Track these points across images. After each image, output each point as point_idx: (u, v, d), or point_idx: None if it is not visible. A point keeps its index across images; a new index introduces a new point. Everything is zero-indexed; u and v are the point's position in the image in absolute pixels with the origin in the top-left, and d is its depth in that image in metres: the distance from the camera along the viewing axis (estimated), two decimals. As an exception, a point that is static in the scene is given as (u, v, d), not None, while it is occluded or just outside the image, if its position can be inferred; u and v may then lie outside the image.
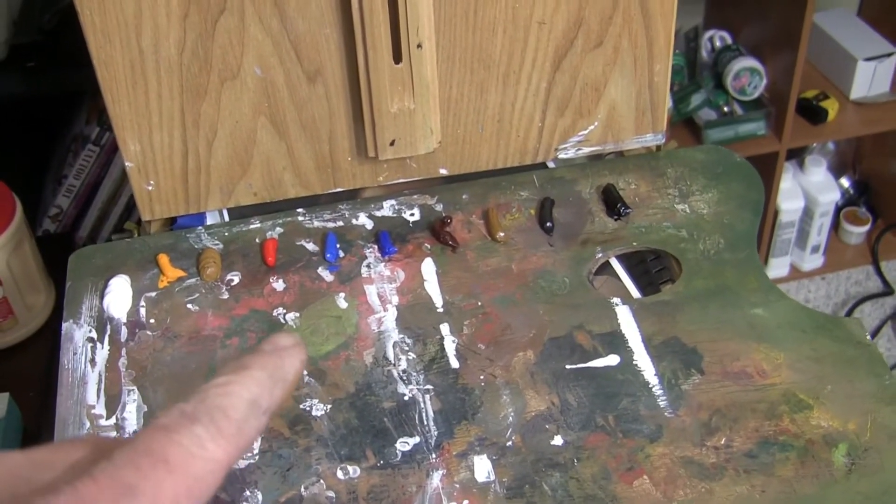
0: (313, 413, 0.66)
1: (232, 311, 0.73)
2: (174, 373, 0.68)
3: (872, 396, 0.65)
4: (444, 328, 0.71)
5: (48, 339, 0.95)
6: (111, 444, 0.33)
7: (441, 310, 0.72)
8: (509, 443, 0.63)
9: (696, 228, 0.78)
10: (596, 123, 0.83)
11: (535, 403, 0.66)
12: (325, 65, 0.75)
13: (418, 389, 0.67)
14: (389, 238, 0.78)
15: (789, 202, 1.87)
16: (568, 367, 0.68)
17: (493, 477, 0.61)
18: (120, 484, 0.30)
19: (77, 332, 0.72)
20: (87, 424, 0.65)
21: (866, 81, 1.80)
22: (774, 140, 1.75)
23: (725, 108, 1.77)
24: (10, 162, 1.15)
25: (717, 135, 1.74)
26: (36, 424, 0.87)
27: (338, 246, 0.78)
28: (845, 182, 2.04)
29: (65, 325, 0.72)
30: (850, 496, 0.59)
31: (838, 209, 1.99)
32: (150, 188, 0.79)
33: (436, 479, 0.61)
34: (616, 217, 0.80)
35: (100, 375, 0.68)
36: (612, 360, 0.68)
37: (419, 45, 0.73)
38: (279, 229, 0.79)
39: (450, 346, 0.70)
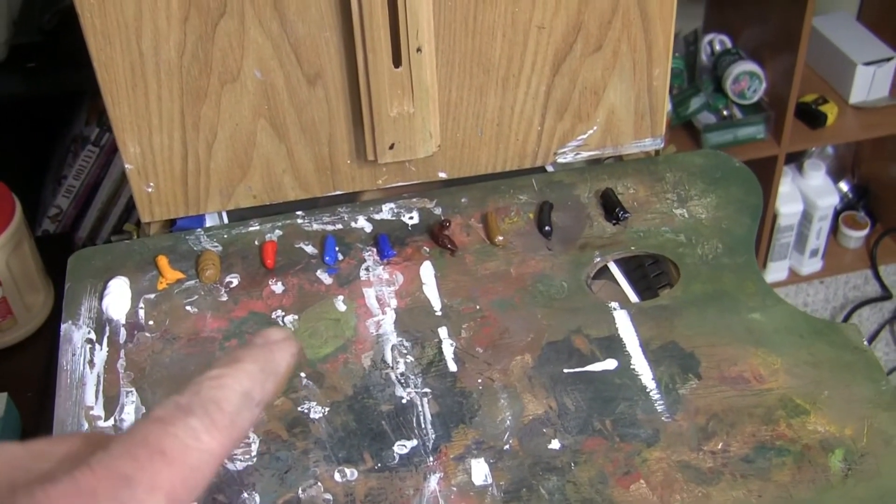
0: (311, 415, 0.66)
1: (231, 314, 0.73)
2: (173, 374, 0.69)
3: (869, 402, 0.65)
4: (443, 331, 0.71)
5: (47, 340, 0.95)
6: (108, 438, 0.34)
7: (439, 313, 0.73)
8: (507, 446, 0.63)
9: (694, 233, 0.79)
10: (595, 127, 0.83)
11: (533, 407, 0.66)
12: (324, 68, 0.75)
13: (416, 393, 0.67)
14: (388, 241, 0.78)
15: (788, 206, 1.88)
16: (566, 371, 0.68)
17: (490, 480, 0.61)
18: (117, 474, 0.30)
19: (76, 334, 0.72)
20: (86, 425, 0.65)
21: (865, 86, 1.81)
22: (773, 144, 1.75)
23: (725, 112, 1.77)
24: (9, 162, 1.15)
25: (717, 138, 1.74)
26: (34, 425, 0.87)
27: (337, 249, 0.78)
28: (844, 186, 2.05)
29: (64, 327, 0.72)
30: (846, 501, 0.60)
31: (837, 213, 1.99)
32: (149, 190, 0.79)
33: (433, 482, 0.62)
34: (615, 221, 0.80)
35: (98, 377, 0.69)
36: (610, 364, 0.68)
37: (419, 49, 0.73)
38: (278, 232, 0.80)
39: (448, 349, 0.70)
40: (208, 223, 0.82)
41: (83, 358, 0.70)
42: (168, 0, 0.70)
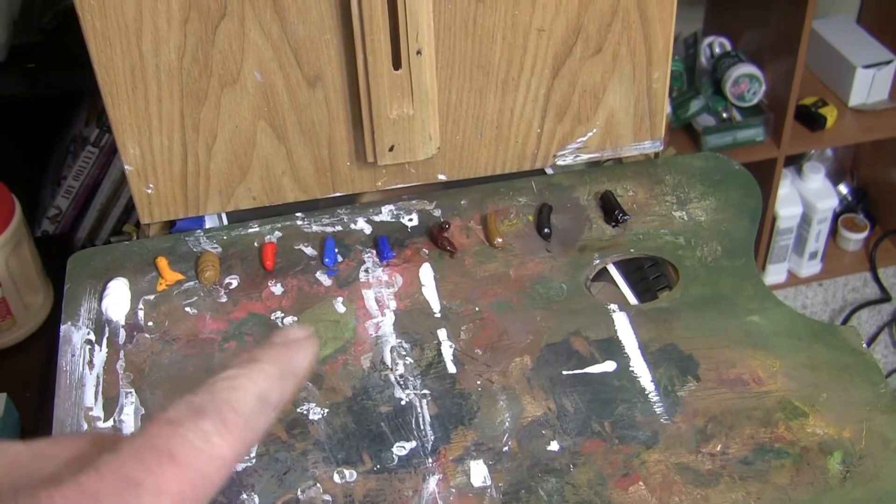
0: (310, 417, 0.66)
1: (230, 315, 0.73)
2: (172, 376, 0.69)
3: (868, 404, 0.65)
4: (442, 333, 0.71)
5: (46, 340, 0.95)
6: (113, 439, 0.33)
7: (439, 315, 0.73)
8: (506, 448, 0.63)
9: (693, 235, 0.79)
10: (594, 130, 0.83)
11: (532, 409, 0.66)
12: (324, 70, 0.75)
13: (415, 394, 0.67)
14: (388, 243, 0.78)
15: (787, 208, 1.88)
16: (565, 372, 0.68)
17: (489, 482, 0.62)
18: (124, 478, 0.30)
19: (75, 335, 0.72)
20: (85, 426, 0.65)
21: (865, 88, 1.81)
22: (773, 146, 1.75)
23: (724, 115, 1.77)
24: (9, 162, 1.15)
25: (716, 141, 1.74)
26: (33, 425, 0.87)
27: (336, 250, 0.78)
28: (843, 189, 2.05)
29: (63, 327, 0.72)
30: (844, 503, 0.60)
31: (836, 216, 1.99)
32: (149, 191, 0.79)
33: (432, 483, 0.62)
34: (614, 224, 0.80)
35: (98, 378, 0.69)
36: (609, 366, 0.68)
37: (419, 52, 0.73)
38: (278, 233, 0.80)
39: (447, 351, 0.70)
40: (208, 224, 0.82)
41: (82, 359, 0.70)
42: (168, 2, 0.70)
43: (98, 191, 1.29)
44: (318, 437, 0.65)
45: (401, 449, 0.64)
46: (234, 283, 0.76)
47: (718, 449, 0.63)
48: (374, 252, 0.78)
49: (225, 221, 0.83)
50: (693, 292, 0.74)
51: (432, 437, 0.64)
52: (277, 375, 0.34)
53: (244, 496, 0.61)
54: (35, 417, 0.87)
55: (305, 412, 0.66)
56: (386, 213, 0.81)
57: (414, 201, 0.82)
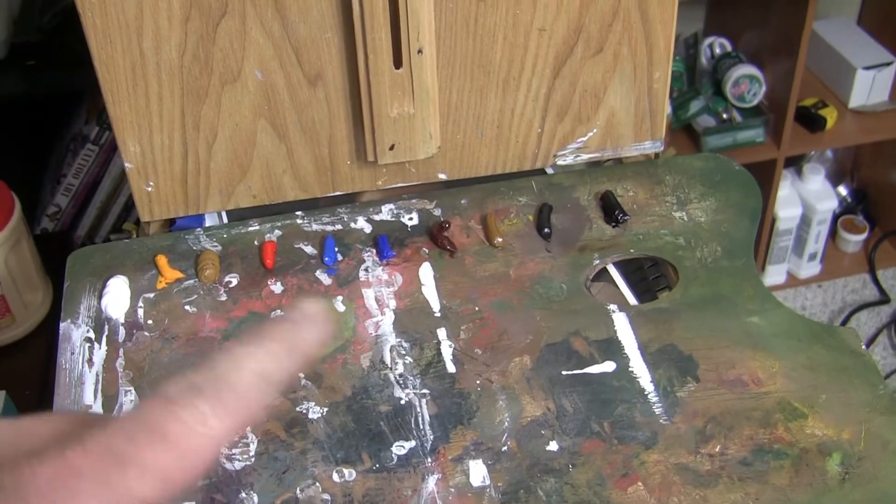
0: (310, 416, 0.66)
1: (230, 313, 0.73)
2: (171, 374, 0.69)
3: (867, 406, 0.65)
4: (441, 333, 0.71)
5: (45, 338, 0.95)
6: (102, 419, 0.33)
7: (438, 314, 0.73)
8: (505, 448, 0.63)
9: (693, 236, 0.79)
10: (595, 130, 0.83)
11: (531, 409, 0.66)
12: (325, 69, 0.75)
13: (415, 393, 0.67)
14: (388, 242, 0.78)
15: (787, 210, 1.88)
16: (564, 373, 0.68)
17: (488, 481, 0.62)
18: (111, 454, 0.29)
19: (75, 333, 0.72)
20: (84, 425, 0.65)
21: (865, 90, 1.81)
22: (773, 147, 1.75)
23: (724, 115, 1.77)
24: (9, 160, 1.15)
25: (716, 141, 1.74)
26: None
27: (336, 249, 0.78)
28: (843, 190, 2.05)
29: (62, 325, 0.72)
30: (843, 505, 0.60)
31: (836, 217, 1.99)
32: (149, 189, 0.79)
33: (431, 483, 0.62)
34: (614, 224, 0.80)
35: (97, 376, 0.69)
36: (609, 366, 0.68)
37: (419, 51, 0.73)
38: (278, 232, 0.80)
39: (447, 350, 0.70)
40: (208, 223, 0.82)
41: (82, 357, 0.70)
42: (169, 0, 0.70)
43: (98, 189, 1.29)
44: (317, 436, 0.65)
45: (400, 448, 0.64)
46: (234, 282, 0.76)
47: (717, 450, 0.63)
48: (374, 251, 0.78)
49: (225, 220, 0.83)
50: (693, 293, 0.74)
51: (431, 437, 0.64)
52: (283, 353, 0.33)
53: (243, 495, 0.61)
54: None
55: (305, 411, 0.66)
56: (386, 212, 0.81)
57: (414, 200, 0.82)
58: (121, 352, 0.70)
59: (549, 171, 0.86)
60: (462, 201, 0.82)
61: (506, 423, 0.65)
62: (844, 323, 2.07)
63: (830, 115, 1.78)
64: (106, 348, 0.71)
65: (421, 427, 0.65)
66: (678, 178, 0.84)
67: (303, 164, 0.80)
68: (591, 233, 0.79)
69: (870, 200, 2.05)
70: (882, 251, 2.01)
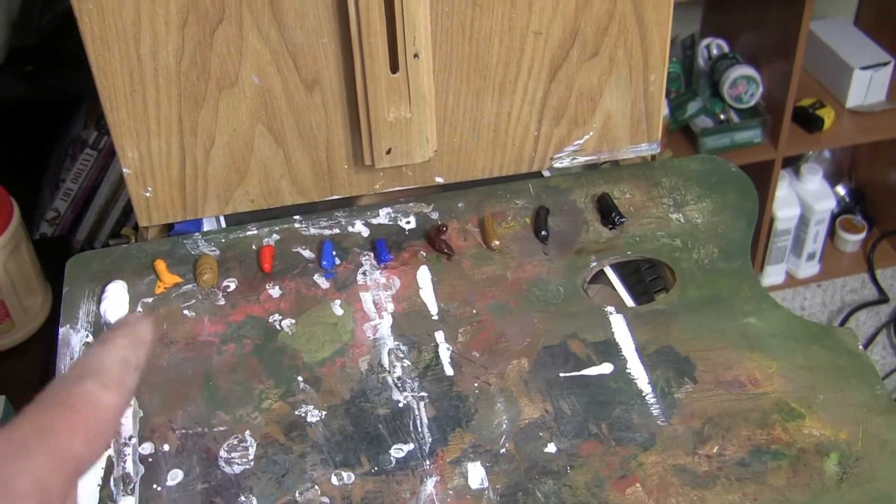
0: (308, 419, 0.66)
1: (228, 318, 0.73)
2: (170, 378, 0.69)
3: (864, 406, 0.65)
4: (439, 336, 0.71)
5: (45, 343, 0.95)
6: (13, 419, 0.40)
7: (436, 317, 0.73)
8: (503, 450, 0.64)
9: (690, 238, 0.79)
10: (591, 133, 0.84)
11: (529, 411, 0.66)
12: (322, 73, 0.76)
13: (413, 396, 0.67)
14: (385, 246, 0.78)
15: (785, 210, 1.88)
16: (562, 375, 0.68)
17: (486, 484, 0.62)
18: (39, 426, 0.37)
19: (74, 338, 0.72)
20: (84, 430, 0.66)
21: (862, 90, 1.81)
22: (770, 148, 1.75)
23: (722, 116, 1.78)
24: (7, 165, 1.15)
25: (714, 142, 1.74)
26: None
27: (334, 253, 0.78)
28: (841, 190, 2.05)
29: (62, 331, 0.72)
30: (840, 505, 0.60)
31: (834, 217, 2.00)
32: (147, 194, 0.79)
33: (430, 485, 0.62)
34: (611, 226, 0.80)
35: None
36: (606, 368, 0.69)
37: (416, 55, 0.74)
38: (276, 236, 0.80)
39: (444, 353, 0.70)
40: (206, 227, 0.82)
41: (81, 362, 0.70)
42: (167, 6, 0.71)
43: (97, 193, 1.29)
44: (315, 439, 0.65)
45: (398, 451, 0.64)
46: (233, 286, 0.76)
47: (715, 451, 0.63)
48: (372, 255, 0.78)
49: (223, 224, 0.83)
50: (690, 294, 0.74)
51: (430, 440, 0.64)
52: (130, 345, 0.42)
53: (242, 498, 0.61)
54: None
55: (303, 414, 0.66)
56: (383, 216, 0.82)
57: (411, 204, 0.83)
58: (120, 357, 0.70)
59: (546, 173, 0.87)
60: (459, 205, 0.82)
61: (504, 426, 0.65)
62: (843, 323, 2.07)
63: (828, 115, 1.78)
64: (105, 353, 0.71)
65: (419, 430, 0.65)
66: (675, 180, 0.84)
67: (300, 169, 0.80)
68: (588, 235, 0.80)
69: (868, 200, 2.06)
70: (880, 251, 2.01)
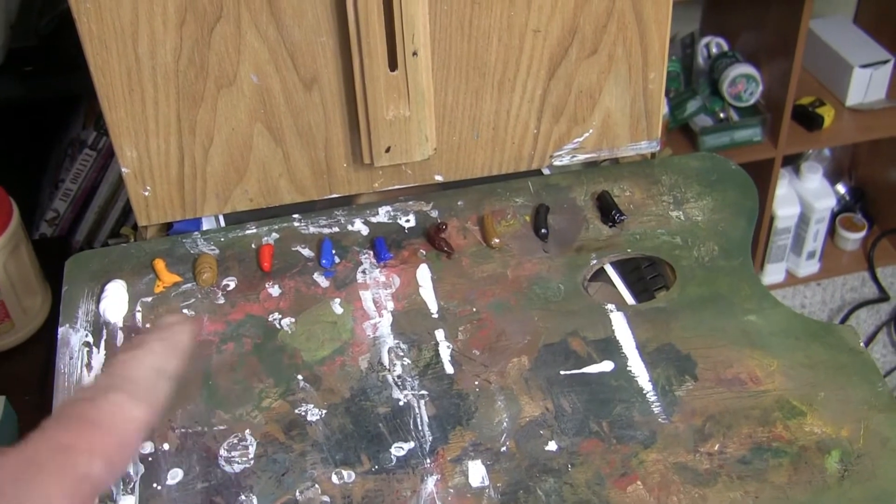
0: (308, 418, 0.66)
1: (228, 316, 0.73)
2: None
3: (865, 403, 0.65)
4: (439, 334, 0.71)
5: (44, 343, 0.95)
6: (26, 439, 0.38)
7: (436, 316, 0.73)
8: (503, 448, 0.63)
9: (690, 235, 0.79)
10: (591, 131, 0.83)
11: (530, 409, 0.66)
12: (321, 72, 0.75)
13: (413, 395, 0.67)
14: (385, 244, 0.78)
15: (785, 208, 1.88)
16: (562, 373, 0.68)
17: (487, 482, 0.62)
18: (57, 445, 0.35)
19: (73, 337, 0.72)
20: (83, 429, 0.65)
21: (862, 88, 1.81)
22: (770, 146, 1.75)
23: (721, 115, 1.77)
24: (7, 165, 1.15)
25: (713, 141, 1.74)
26: (32, 427, 0.87)
27: (333, 252, 0.78)
28: (841, 188, 2.05)
29: (61, 330, 0.72)
30: (842, 502, 0.60)
31: (834, 215, 1.99)
32: (146, 194, 0.79)
33: (430, 483, 0.62)
34: (611, 224, 0.80)
35: (96, 380, 0.69)
36: (607, 366, 0.69)
37: (415, 53, 0.73)
38: (275, 235, 0.80)
39: (444, 351, 0.70)
40: (205, 226, 0.82)
41: (80, 361, 0.70)
42: (164, 5, 0.70)
43: (96, 194, 1.29)
44: (316, 438, 0.65)
45: (399, 449, 0.64)
46: (232, 285, 0.76)
47: (716, 448, 0.63)
48: (372, 253, 0.78)
49: (222, 223, 0.83)
50: (690, 292, 0.74)
51: (430, 438, 0.64)
52: (165, 352, 0.41)
53: (243, 497, 0.61)
54: (33, 420, 0.87)
55: (303, 413, 0.66)
56: (383, 215, 0.81)
57: (411, 202, 0.82)
58: (119, 356, 0.70)
59: (546, 171, 0.86)
60: (459, 203, 0.82)
61: (504, 424, 0.65)
62: (844, 321, 2.07)
63: (828, 113, 1.78)
64: (104, 352, 0.71)
65: (420, 428, 0.65)
66: (675, 178, 0.84)
67: (299, 168, 0.80)
68: (588, 233, 0.80)
69: (868, 198, 2.05)
70: (881, 249, 2.01)
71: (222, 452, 0.64)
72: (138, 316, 0.73)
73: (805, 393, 0.66)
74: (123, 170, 0.77)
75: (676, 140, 1.78)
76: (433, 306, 0.73)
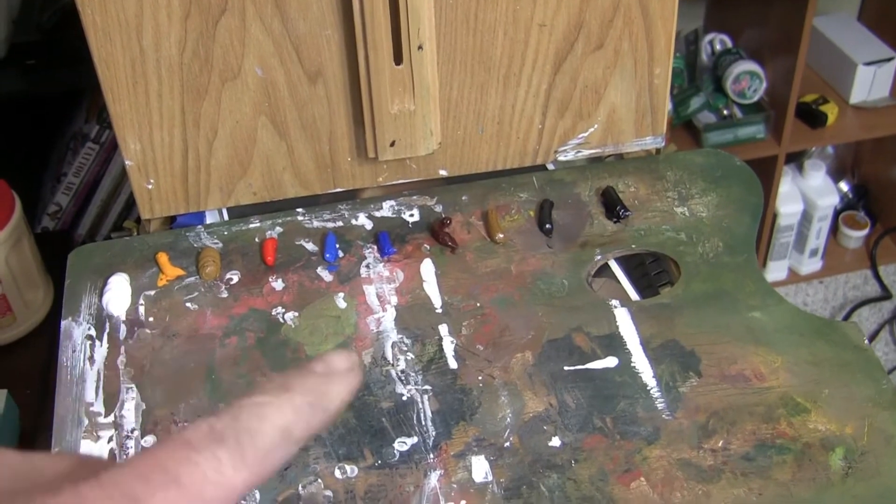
0: (311, 413, 0.66)
1: (231, 310, 0.73)
2: (172, 371, 0.69)
3: (869, 400, 0.65)
4: (443, 329, 0.71)
5: (46, 337, 0.95)
6: (100, 463, 0.32)
7: (440, 310, 0.73)
8: (507, 443, 0.63)
9: (695, 231, 0.79)
10: (596, 126, 0.83)
11: (533, 404, 0.66)
12: (325, 65, 0.75)
13: (416, 390, 0.67)
14: (389, 238, 0.78)
15: (788, 206, 1.88)
16: (566, 368, 0.68)
17: (490, 477, 0.61)
18: (123, 493, 0.28)
19: (76, 330, 0.72)
20: (86, 422, 0.65)
21: (866, 86, 1.81)
22: (774, 144, 1.75)
23: (725, 112, 1.77)
24: (9, 159, 1.15)
25: (717, 138, 1.74)
26: (34, 422, 0.87)
27: (337, 246, 0.78)
28: (844, 186, 2.05)
29: (64, 323, 0.72)
30: (846, 500, 0.60)
31: (837, 213, 1.99)
32: (149, 187, 0.79)
33: (433, 479, 0.61)
34: (615, 220, 0.80)
35: (98, 373, 0.69)
36: (611, 362, 0.68)
37: (420, 47, 0.73)
38: (279, 229, 0.80)
39: (448, 346, 0.70)
40: (208, 220, 0.82)
41: (83, 354, 0.70)
42: (169, -4, 0.70)
43: (98, 187, 1.29)
44: (318, 432, 0.64)
45: (402, 444, 0.64)
46: (235, 279, 0.75)
47: (720, 445, 0.63)
48: (375, 248, 0.78)
49: (226, 217, 0.83)
50: (694, 288, 0.74)
51: (433, 433, 0.64)
52: (307, 409, 0.32)
53: (245, 492, 0.61)
54: (35, 414, 0.87)
55: (306, 408, 0.66)
56: (387, 209, 0.81)
57: (415, 197, 0.82)
58: (122, 349, 0.70)
59: (550, 166, 0.86)
60: (463, 197, 0.82)
61: (508, 419, 0.65)
62: (846, 319, 2.07)
63: (831, 111, 1.78)
64: (107, 346, 0.70)
65: (423, 423, 0.65)
66: (679, 174, 0.84)
67: (303, 161, 0.80)
68: (593, 228, 0.79)
69: (871, 196, 2.05)
70: (883, 247, 2.01)
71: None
72: (141, 309, 0.73)
73: (809, 390, 0.66)
74: (127, 162, 0.77)
75: (680, 137, 1.78)
76: (437, 301, 0.73)
